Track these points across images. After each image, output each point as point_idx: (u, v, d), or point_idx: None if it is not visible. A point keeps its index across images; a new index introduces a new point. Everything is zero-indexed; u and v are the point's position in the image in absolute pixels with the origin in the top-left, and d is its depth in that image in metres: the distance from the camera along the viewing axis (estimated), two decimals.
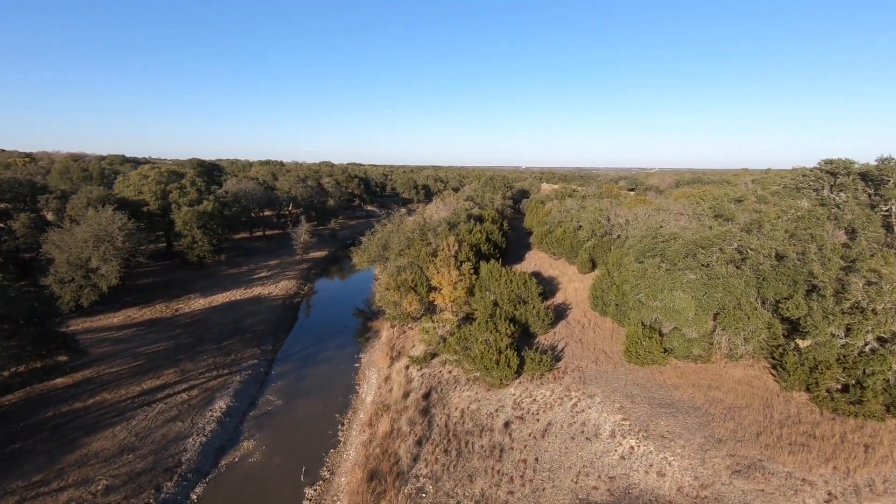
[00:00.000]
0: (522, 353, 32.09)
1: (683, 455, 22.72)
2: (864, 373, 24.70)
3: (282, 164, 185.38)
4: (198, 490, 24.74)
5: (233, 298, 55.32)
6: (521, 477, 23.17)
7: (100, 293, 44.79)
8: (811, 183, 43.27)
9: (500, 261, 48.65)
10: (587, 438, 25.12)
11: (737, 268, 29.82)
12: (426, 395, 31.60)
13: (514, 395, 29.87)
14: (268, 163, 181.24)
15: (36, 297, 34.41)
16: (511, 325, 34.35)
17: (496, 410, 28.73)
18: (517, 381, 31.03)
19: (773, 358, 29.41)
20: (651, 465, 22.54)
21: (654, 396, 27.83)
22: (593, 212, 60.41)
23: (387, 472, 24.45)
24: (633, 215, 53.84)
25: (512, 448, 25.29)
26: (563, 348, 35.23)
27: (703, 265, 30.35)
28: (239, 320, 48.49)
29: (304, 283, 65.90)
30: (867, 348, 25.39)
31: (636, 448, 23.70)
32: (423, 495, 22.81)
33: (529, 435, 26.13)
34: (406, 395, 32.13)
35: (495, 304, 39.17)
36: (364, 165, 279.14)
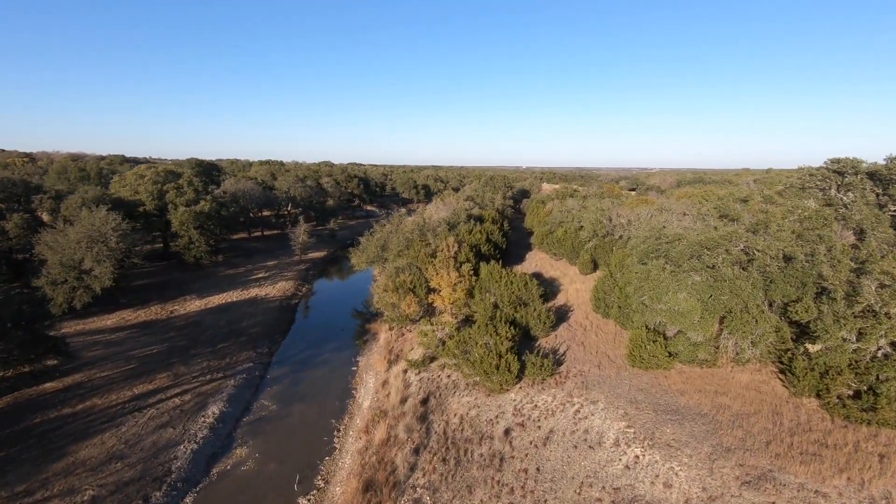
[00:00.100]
0: (523, 357, 31.24)
1: (691, 465, 21.85)
2: (877, 379, 23.75)
3: (282, 164, 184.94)
4: (188, 500, 23.95)
5: (229, 300, 54.51)
6: (522, 488, 22.32)
7: (93, 295, 44.02)
8: (818, 182, 42.32)
9: (501, 262, 47.77)
10: (590, 447, 24.25)
11: (743, 269, 28.92)
12: (424, 401, 30.75)
13: (514, 400, 29.01)
14: (268, 163, 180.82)
15: (25, 298, 33.64)
16: (511, 327, 33.50)
17: (496, 417, 27.88)
18: (518, 386, 30.16)
19: (782, 363, 28.49)
20: (657, 476, 21.66)
21: (659, 402, 26.96)
22: (595, 212, 59.51)
23: (383, 483, 23.63)
24: (635, 215, 52.92)
25: (512, 457, 24.44)
26: (564, 352, 34.34)
27: (708, 267, 29.46)
28: (235, 322, 47.69)
29: (302, 284, 65.12)
30: (880, 353, 24.48)
31: (641, 457, 22.82)
32: None
33: (531, 443, 25.28)
34: (404, 400, 31.29)
35: (495, 306, 38.32)
36: (364, 165, 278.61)
